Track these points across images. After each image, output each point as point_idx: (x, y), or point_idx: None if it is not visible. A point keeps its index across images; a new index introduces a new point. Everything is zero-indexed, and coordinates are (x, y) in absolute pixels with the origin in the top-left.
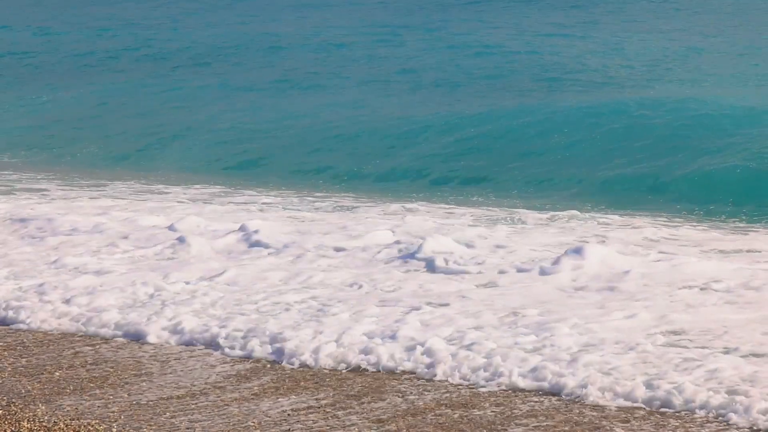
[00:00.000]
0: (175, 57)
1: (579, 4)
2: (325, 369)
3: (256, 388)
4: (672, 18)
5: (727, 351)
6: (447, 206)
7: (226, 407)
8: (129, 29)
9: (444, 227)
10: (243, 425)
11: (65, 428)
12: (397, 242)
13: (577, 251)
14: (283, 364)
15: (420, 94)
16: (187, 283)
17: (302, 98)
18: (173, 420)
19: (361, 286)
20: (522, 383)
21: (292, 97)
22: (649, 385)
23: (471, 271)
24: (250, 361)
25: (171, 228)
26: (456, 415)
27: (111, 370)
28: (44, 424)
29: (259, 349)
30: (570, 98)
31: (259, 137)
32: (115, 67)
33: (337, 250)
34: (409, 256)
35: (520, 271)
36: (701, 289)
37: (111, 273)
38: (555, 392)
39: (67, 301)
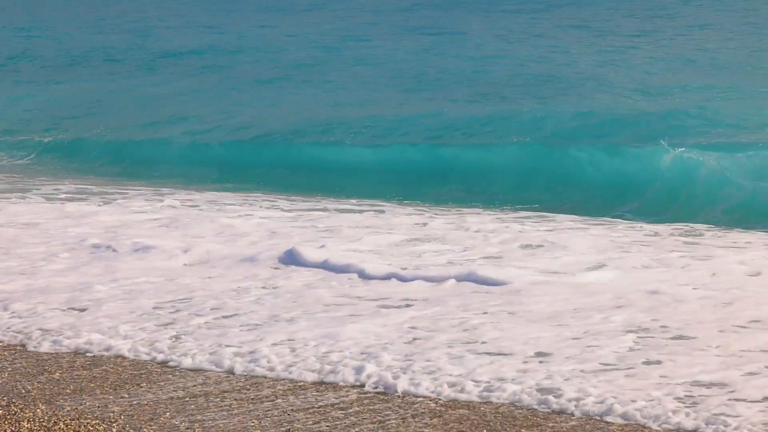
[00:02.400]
0: (170, 56)
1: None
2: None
3: (256, 388)
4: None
5: None
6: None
7: (226, 408)
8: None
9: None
10: (243, 425)
11: (65, 428)
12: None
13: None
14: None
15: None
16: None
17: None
18: (173, 420)
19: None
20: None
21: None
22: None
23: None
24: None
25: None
26: (456, 417)
27: (111, 370)
28: (44, 424)
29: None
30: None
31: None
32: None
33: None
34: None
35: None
36: None
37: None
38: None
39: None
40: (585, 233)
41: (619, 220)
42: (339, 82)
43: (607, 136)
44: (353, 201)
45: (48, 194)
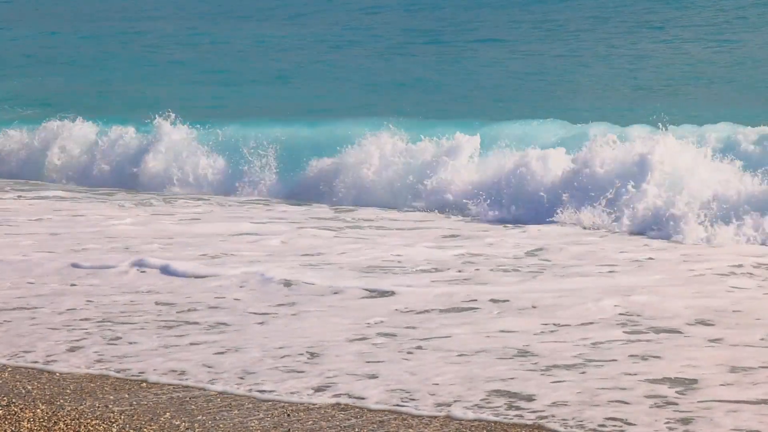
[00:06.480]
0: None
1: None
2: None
3: (254, 388)
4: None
5: None
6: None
7: (226, 407)
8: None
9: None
10: (243, 425)
11: (65, 428)
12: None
13: None
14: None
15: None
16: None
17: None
18: (173, 420)
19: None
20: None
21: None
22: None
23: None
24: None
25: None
26: (458, 420)
27: (111, 370)
28: (44, 424)
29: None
30: None
31: None
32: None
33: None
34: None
35: None
36: None
37: None
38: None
39: None
40: None
41: None
42: None
43: None
44: None
45: None
